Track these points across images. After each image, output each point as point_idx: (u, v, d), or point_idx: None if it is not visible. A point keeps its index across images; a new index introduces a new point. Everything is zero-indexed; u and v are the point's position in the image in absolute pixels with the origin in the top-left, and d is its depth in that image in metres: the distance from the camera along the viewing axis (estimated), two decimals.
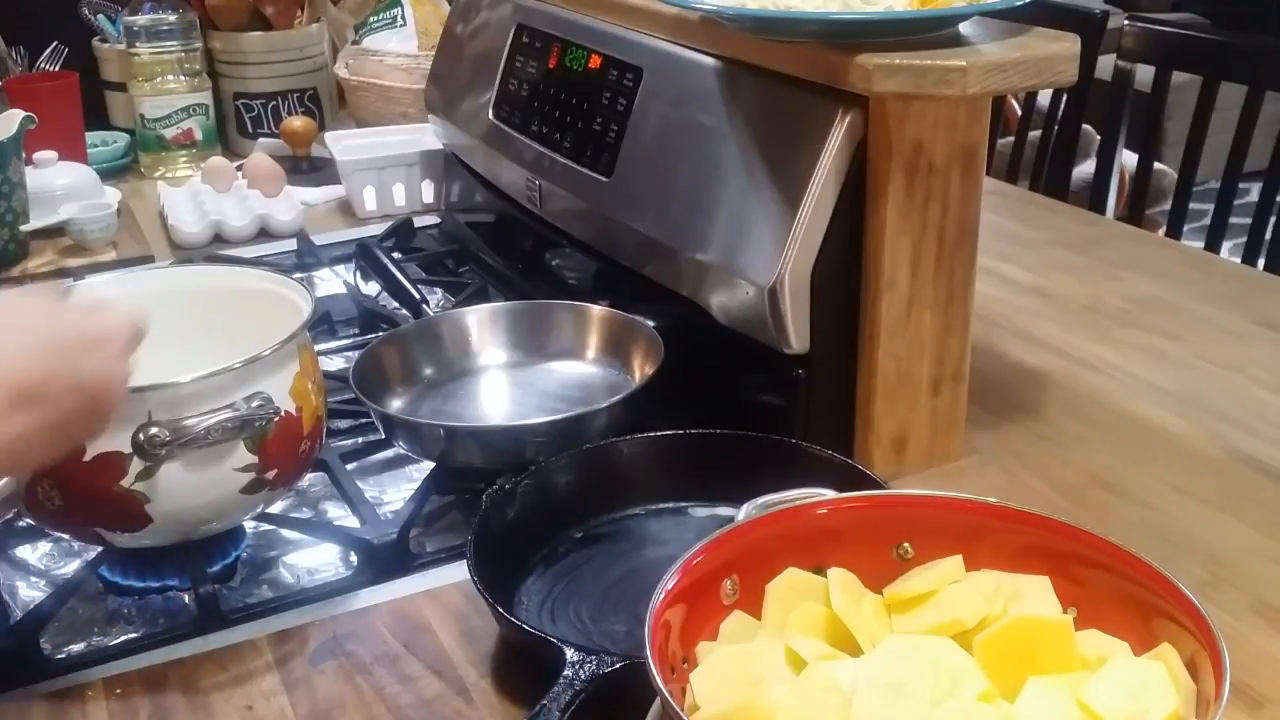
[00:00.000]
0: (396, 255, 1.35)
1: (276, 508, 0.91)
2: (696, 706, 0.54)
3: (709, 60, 0.99)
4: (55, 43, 1.83)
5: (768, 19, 0.88)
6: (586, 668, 0.69)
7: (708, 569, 0.61)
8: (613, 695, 0.67)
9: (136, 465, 0.78)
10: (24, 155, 1.44)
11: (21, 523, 0.92)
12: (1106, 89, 1.82)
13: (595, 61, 1.13)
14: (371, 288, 1.32)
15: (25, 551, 0.91)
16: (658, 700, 0.56)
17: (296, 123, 1.73)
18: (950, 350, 0.95)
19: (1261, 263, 1.63)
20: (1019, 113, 2.09)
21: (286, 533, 0.92)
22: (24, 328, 0.65)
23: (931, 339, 0.93)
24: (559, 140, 1.16)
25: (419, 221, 1.52)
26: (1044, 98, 2.05)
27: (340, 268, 1.40)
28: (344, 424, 1.04)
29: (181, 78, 1.74)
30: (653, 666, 0.53)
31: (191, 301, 0.95)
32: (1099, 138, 1.99)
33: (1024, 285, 1.33)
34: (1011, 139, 2.07)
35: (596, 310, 1.09)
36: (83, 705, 0.76)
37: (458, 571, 0.83)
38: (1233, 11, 4.34)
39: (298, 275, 1.33)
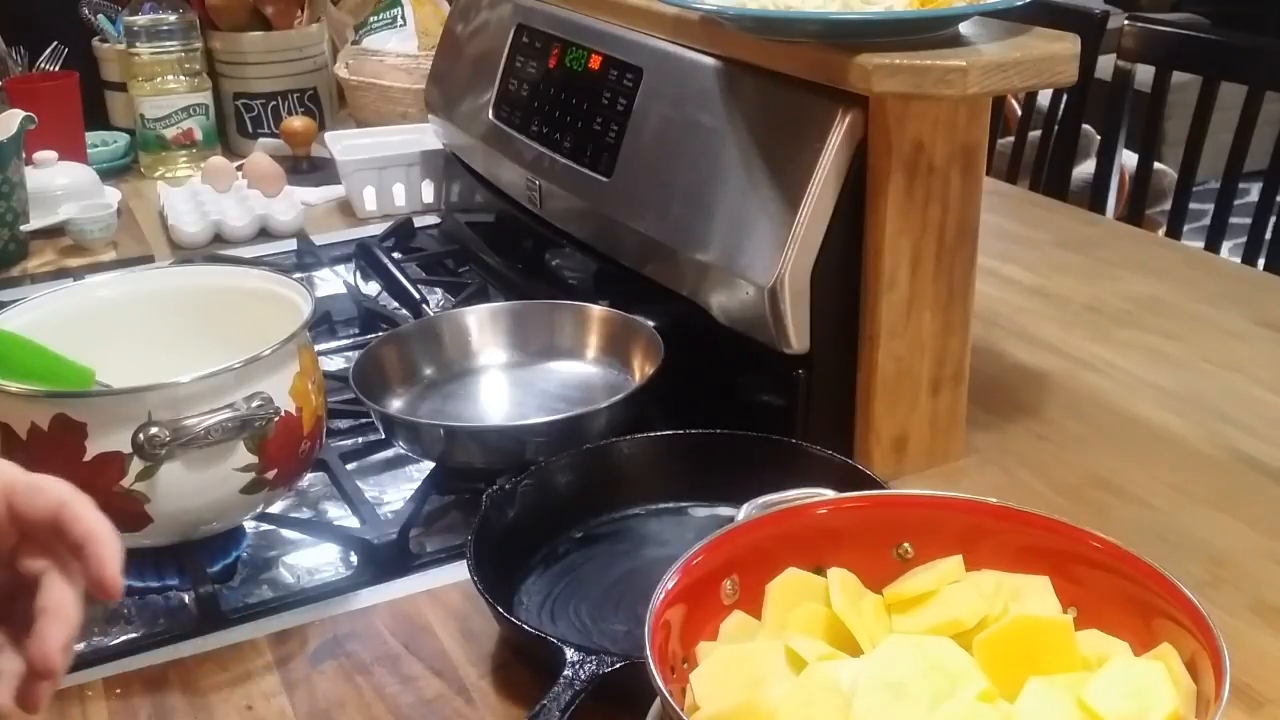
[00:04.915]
0: (396, 255, 1.35)
1: (276, 508, 0.91)
2: (696, 706, 0.54)
3: (709, 60, 0.99)
4: (55, 43, 1.83)
5: (768, 19, 0.88)
6: (586, 668, 0.69)
7: (708, 569, 0.61)
8: (613, 695, 0.67)
9: (136, 465, 0.78)
10: (24, 155, 1.44)
11: None
12: (1106, 89, 1.82)
13: (595, 61, 1.13)
14: (371, 288, 1.32)
15: None
16: (658, 700, 0.56)
17: (296, 123, 1.73)
18: (950, 350, 0.95)
19: (1261, 263, 1.63)
20: (1019, 113, 2.09)
21: (286, 533, 0.92)
22: None
23: (931, 339, 0.93)
24: (559, 140, 1.16)
25: (419, 221, 1.52)
26: (1044, 98, 2.04)
27: (340, 268, 1.40)
28: (344, 424, 1.04)
29: (181, 78, 1.74)
30: (653, 666, 0.53)
31: (191, 301, 0.95)
32: (1099, 138, 1.99)
33: (1024, 285, 1.33)
34: (1011, 139, 2.07)
35: (596, 310, 1.09)
36: (83, 705, 0.76)
37: (458, 571, 0.83)
38: (1233, 11, 4.34)
39: (298, 275, 1.33)
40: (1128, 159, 2.05)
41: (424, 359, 1.08)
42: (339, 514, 0.95)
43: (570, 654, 0.69)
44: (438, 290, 1.32)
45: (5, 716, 0.55)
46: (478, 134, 1.33)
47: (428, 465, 0.97)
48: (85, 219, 1.45)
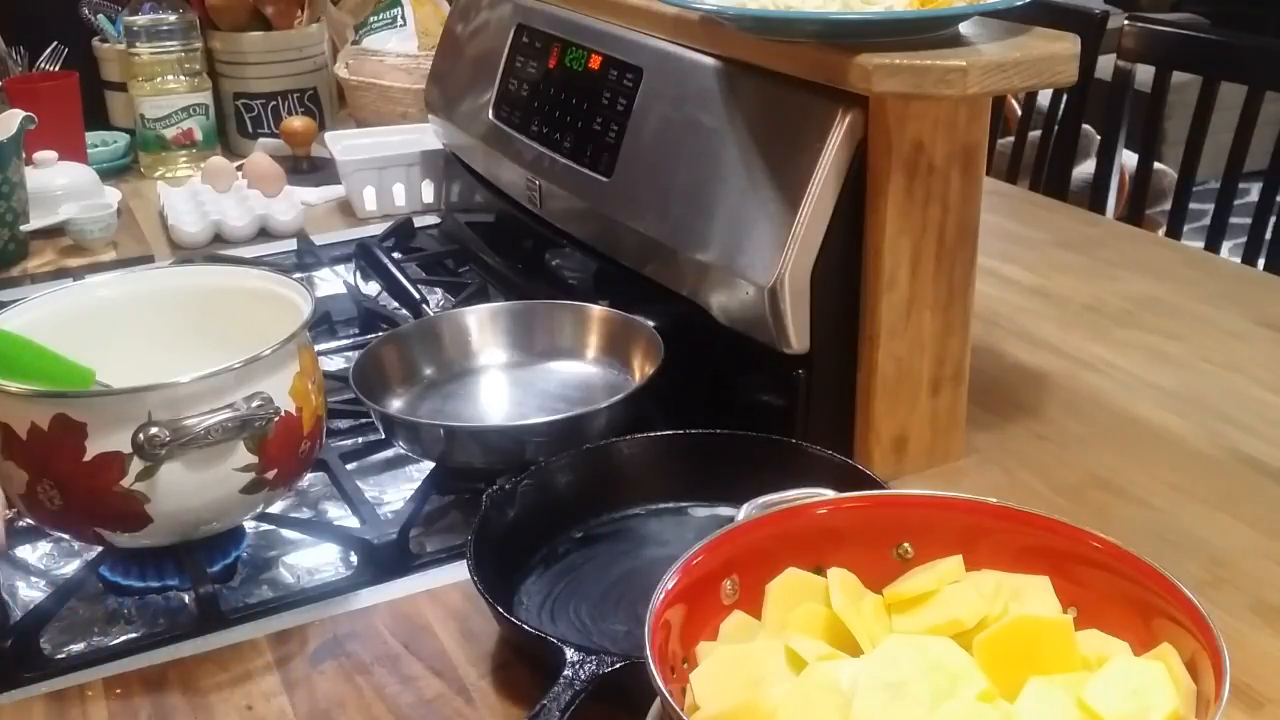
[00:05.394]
0: (396, 255, 1.35)
1: (276, 508, 0.91)
2: (696, 706, 0.54)
3: (709, 60, 0.99)
4: (55, 43, 1.83)
5: (768, 19, 0.88)
6: (586, 668, 0.69)
7: (708, 569, 0.61)
8: (613, 695, 0.67)
9: (136, 465, 0.78)
10: (24, 155, 1.44)
11: (21, 523, 0.92)
12: (1106, 89, 1.82)
13: (595, 61, 1.13)
14: (371, 288, 1.32)
15: (25, 551, 0.91)
16: (658, 700, 0.56)
17: (296, 123, 1.73)
18: (950, 350, 0.95)
19: (1261, 263, 1.63)
20: (1019, 113, 2.09)
21: (286, 533, 0.92)
22: None
23: (931, 339, 0.93)
24: (559, 140, 1.16)
25: (419, 221, 1.52)
26: (1044, 98, 2.05)
27: (340, 268, 1.40)
28: (344, 424, 1.04)
29: (181, 78, 1.74)
30: (653, 666, 0.53)
31: (191, 301, 0.95)
32: (1099, 138, 1.99)
33: (1024, 285, 1.33)
34: (1011, 139, 2.07)
35: (596, 310, 1.09)
36: (83, 705, 0.76)
37: (458, 571, 0.83)
38: (1233, 11, 4.34)
39: (298, 275, 1.33)
40: (1128, 159, 2.05)
41: (424, 359, 1.08)
42: (339, 514, 0.95)
43: (570, 654, 0.69)
44: (438, 290, 1.32)
45: None
46: (478, 134, 1.33)
47: (428, 465, 0.97)
48: (85, 219, 1.45)
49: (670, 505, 0.91)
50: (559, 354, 1.09)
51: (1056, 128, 1.92)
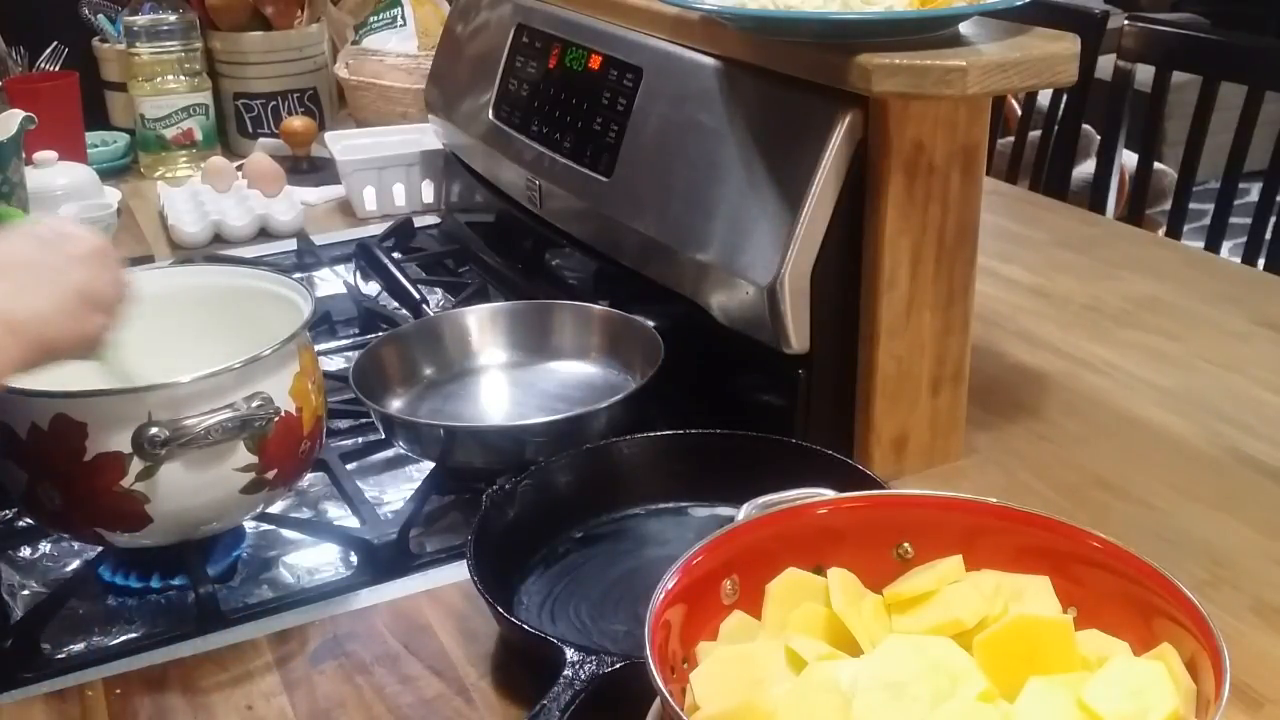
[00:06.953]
0: (396, 255, 1.35)
1: (276, 508, 0.91)
2: (696, 706, 0.54)
3: (709, 60, 0.99)
4: (55, 43, 1.83)
5: (768, 19, 0.88)
6: (586, 668, 0.69)
7: (708, 569, 0.61)
8: (613, 695, 0.67)
9: (136, 465, 0.78)
10: (24, 155, 1.44)
11: (21, 523, 0.92)
12: (1106, 89, 1.82)
13: (595, 61, 1.13)
14: (371, 288, 1.32)
15: (25, 551, 0.91)
16: (658, 700, 0.56)
17: (296, 123, 1.73)
18: (950, 350, 0.95)
19: (1261, 263, 1.63)
20: (1019, 113, 2.09)
21: (286, 533, 0.92)
22: None
23: (931, 339, 0.93)
24: (559, 140, 1.16)
25: (419, 221, 1.52)
26: (1044, 98, 2.04)
27: (340, 268, 1.40)
28: (344, 424, 1.04)
29: (181, 78, 1.74)
30: (653, 666, 0.53)
31: (191, 301, 0.95)
32: (1099, 138, 1.99)
33: (1024, 285, 1.33)
34: (1011, 139, 2.07)
35: (596, 310, 1.09)
36: (83, 705, 0.76)
37: (458, 571, 0.83)
38: (1233, 11, 4.34)
39: (298, 275, 1.33)
40: (1128, 159, 2.05)
41: (424, 359, 1.08)
42: (339, 514, 0.95)
43: (570, 654, 0.69)
44: (438, 290, 1.32)
45: None
46: (478, 134, 1.33)
47: (428, 465, 0.97)
48: (85, 219, 1.45)
49: (670, 505, 0.91)
50: (559, 354, 1.09)
51: (1056, 128, 1.92)
